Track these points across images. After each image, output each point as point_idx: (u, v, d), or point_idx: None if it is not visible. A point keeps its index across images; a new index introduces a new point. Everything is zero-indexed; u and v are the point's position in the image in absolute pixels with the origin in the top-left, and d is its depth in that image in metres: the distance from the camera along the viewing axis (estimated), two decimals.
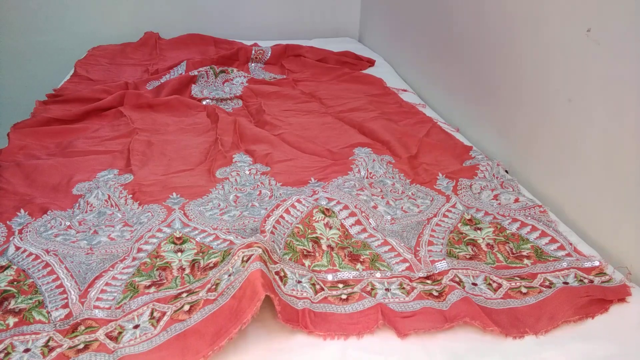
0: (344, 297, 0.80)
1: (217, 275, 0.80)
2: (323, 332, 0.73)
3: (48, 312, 0.77)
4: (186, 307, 0.75)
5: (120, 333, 0.72)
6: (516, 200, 1.07)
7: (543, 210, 1.03)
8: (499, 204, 1.07)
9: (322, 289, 0.82)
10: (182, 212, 1.02)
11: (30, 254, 0.89)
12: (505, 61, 1.28)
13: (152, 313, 0.75)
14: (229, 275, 0.77)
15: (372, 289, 0.82)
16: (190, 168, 1.22)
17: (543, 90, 1.13)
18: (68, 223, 1.00)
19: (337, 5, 2.51)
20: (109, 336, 0.72)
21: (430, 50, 1.75)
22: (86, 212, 1.04)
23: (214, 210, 1.04)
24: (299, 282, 0.82)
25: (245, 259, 0.78)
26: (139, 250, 0.90)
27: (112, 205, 1.06)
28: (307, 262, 0.88)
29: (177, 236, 0.94)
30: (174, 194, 1.09)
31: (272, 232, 0.91)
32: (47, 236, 0.95)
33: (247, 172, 1.19)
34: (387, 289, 0.82)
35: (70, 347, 0.70)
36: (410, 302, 0.79)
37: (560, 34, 1.07)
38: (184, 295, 0.78)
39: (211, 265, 0.85)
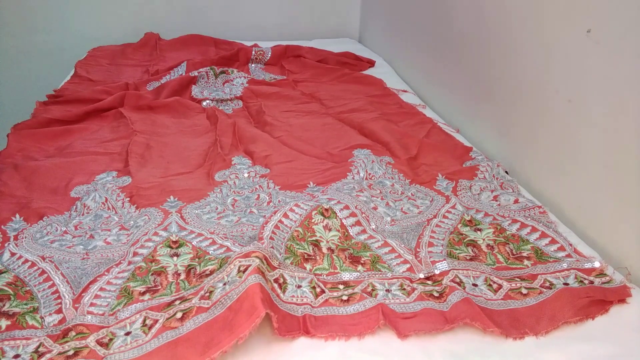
0: (344, 298, 0.80)
1: (210, 283, 0.79)
2: (324, 333, 0.73)
3: (42, 318, 0.76)
4: (179, 315, 0.74)
5: (111, 340, 0.72)
6: (516, 201, 1.07)
7: (543, 211, 1.03)
8: (499, 205, 1.07)
9: (323, 291, 0.81)
10: (179, 215, 1.01)
11: (26, 260, 0.88)
12: (505, 61, 1.28)
13: (144, 321, 0.74)
14: (224, 284, 0.76)
15: (372, 290, 0.82)
16: (189, 171, 1.22)
17: (543, 91, 1.13)
18: (64, 228, 0.99)
19: (337, 6, 2.51)
20: (99, 342, 0.71)
21: (430, 51, 1.75)
22: (83, 214, 1.03)
23: (211, 214, 1.03)
24: (299, 286, 0.81)
25: (242, 268, 0.78)
26: (135, 254, 0.90)
27: (109, 208, 1.05)
28: (308, 266, 0.87)
29: (174, 240, 0.93)
30: (172, 197, 1.08)
31: (271, 238, 0.90)
32: (42, 242, 0.94)
33: (246, 175, 1.18)
34: (387, 290, 0.82)
35: (60, 353, 0.70)
36: (411, 303, 0.79)
37: (560, 34, 1.07)
38: (177, 302, 0.77)
39: (207, 272, 0.84)
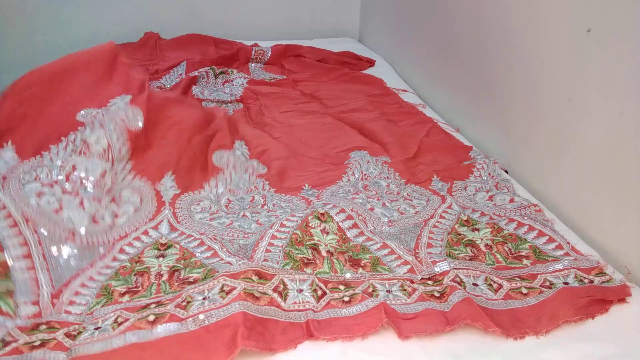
0: (346, 299, 0.79)
1: (189, 292, 0.77)
2: (328, 335, 0.73)
3: (16, 305, 0.74)
4: (151, 318, 0.72)
5: (80, 333, 0.71)
6: (511, 201, 1.07)
7: (538, 209, 1.03)
8: (494, 204, 1.07)
9: (325, 293, 0.81)
10: (172, 210, 1.00)
11: (9, 215, 0.84)
12: (505, 61, 1.28)
13: (116, 319, 0.74)
14: (203, 299, 0.75)
15: (373, 291, 0.82)
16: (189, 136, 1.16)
17: (543, 90, 1.13)
18: (55, 177, 0.93)
19: (337, 5, 2.51)
20: (67, 334, 0.70)
21: (430, 51, 1.75)
22: (79, 153, 0.98)
23: (204, 214, 1.02)
24: (300, 290, 0.80)
25: (225, 288, 0.76)
26: (122, 250, 0.88)
27: (107, 159, 1.01)
28: (308, 271, 0.86)
29: (163, 242, 0.92)
30: (170, 173, 1.06)
31: (267, 251, 0.89)
32: (29, 190, 0.90)
33: (244, 171, 1.17)
34: (388, 291, 0.82)
35: (26, 343, 0.69)
36: (412, 303, 0.79)
37: (560, 34, 1.07)
38: (152, 306, 0.76)
39: (191, 280, 0.82)
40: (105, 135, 1.01)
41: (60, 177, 0.95)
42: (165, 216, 0.98)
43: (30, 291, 0.78)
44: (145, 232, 0.94)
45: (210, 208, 1.04)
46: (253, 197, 1.10)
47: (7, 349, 0.67)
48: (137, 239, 0.92)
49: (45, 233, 0.86)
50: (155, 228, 0.95)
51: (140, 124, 1.06)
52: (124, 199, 0.97)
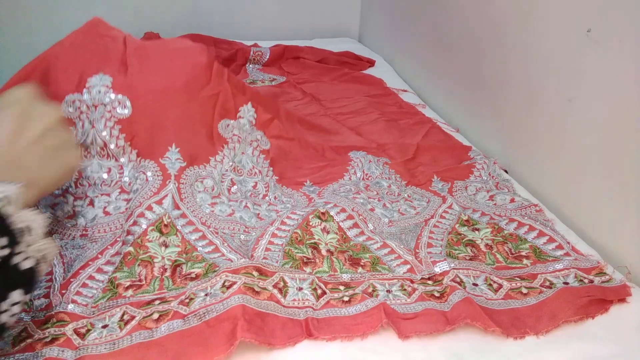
0: (346, 299, 0.79)
1: (193, 289, 0.78)
2: (327, 335, 0.72)
3: (31, 300, 0.76)
4: (155, 316, 0.73)
5: (88, 330, 0.71)
6: (512, 201, 1.07)
7: (539, 209, 1.03)
8: (495, 204, 1.07)
9: (324, 292, 0.81)
10: (177, 184, 0.97)
11: None
12: (505, 61, 1.28)
13: (122, 315, 0.74)
14: (206, 295, 0.75)
15: (373, 290, 0.82)
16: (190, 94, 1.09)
17: (543, 90, 1.13)
18: (64, 185, 0.96)
19: (337, 5, 2.51)
20: (76, 331, 0.71)
21: (430, 50, 1.75)
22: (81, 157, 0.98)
23: (205, 194, 1.00)
24: (300, 289, 0.80)
25: (227, 284, 0.76)
26: (128, 232, 0.88)
27: (108, 157, 1.00)
28: (307, 270, 0.86)
29: (165, 223, 0.91)
30: (173, 146, 1.02)
31: (267, 249, 0.89)
32: (44, 205, 0.93)
33: (249, 144, 1.14)
34: (388, 291, 0.82)
35: (39, 339, 0.69)
36: (412, 303, 0.79)
37: (560, 34, 1.07)
38: (156, 302, 0.76)
39: (193, 275, 0.82)
40: (98, 135, 1.00)
41: (70, 186, 0.97)
42: (170, 190, 0.96)
43: (43, 286, 0.79)
44: (149, 207, 0.92)
45: (213, 189, 1.02)
46: (256, 183, 1.09)
47: (22, 344, 0.68)
48: (141, 215, 0.90)
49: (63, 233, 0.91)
50: (159, 202, 0.93)
51: (128, 112, 1.02)
52: (132, 181, 0.98)
